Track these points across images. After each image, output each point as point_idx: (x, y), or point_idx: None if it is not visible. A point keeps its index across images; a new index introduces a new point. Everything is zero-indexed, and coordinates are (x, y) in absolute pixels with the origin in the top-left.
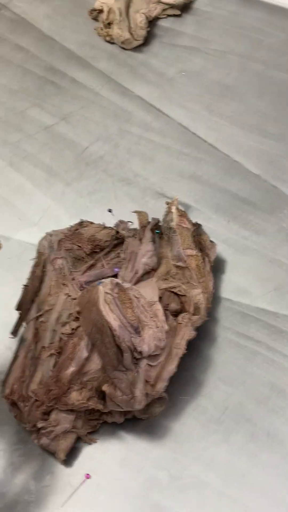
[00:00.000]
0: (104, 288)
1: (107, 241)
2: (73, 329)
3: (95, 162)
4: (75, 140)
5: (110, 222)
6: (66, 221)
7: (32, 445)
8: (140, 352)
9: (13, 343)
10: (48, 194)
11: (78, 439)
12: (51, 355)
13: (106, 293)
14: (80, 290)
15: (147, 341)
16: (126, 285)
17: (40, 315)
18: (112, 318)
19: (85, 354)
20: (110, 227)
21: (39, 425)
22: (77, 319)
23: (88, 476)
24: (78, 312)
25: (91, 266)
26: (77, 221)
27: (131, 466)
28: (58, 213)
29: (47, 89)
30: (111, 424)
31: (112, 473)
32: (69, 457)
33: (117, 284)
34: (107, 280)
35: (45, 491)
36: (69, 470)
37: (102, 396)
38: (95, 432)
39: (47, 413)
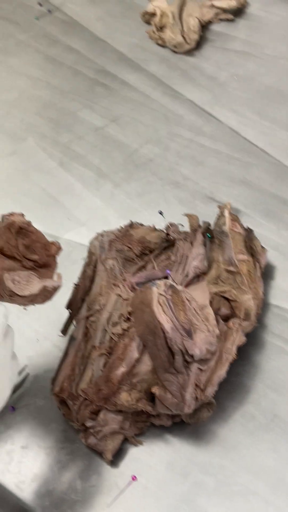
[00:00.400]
0: (158, 290)
1: (157, 243)
2: (124, 329)
3: (144, 164)
4: (125, 142)
5: (160, 224)
6: (115, 222)
7: (79, 444)
8: (192, 356)
9: (60, 341)
10: (97, 195)
11: (125, 441)
12: (101, 354)
13: (160, 294)
14: (131, 291)
15: (199, 345)
16: (179, 287)
17: (91, 315)
18: (165, 320)
19: (136, 355)
20: (160, 229)
21: (88, 424)
22: (128, 319)
23: (134, 478)
24: (130, 313)
25: (142, 268)
26: (125, 222)
27: (177, 470)
28: (107, 214)
29: (98, 91)
30: (158, 427)
31: (159, 476)
32: (116, 458)
33: (171, 286)
34: (161, 282)
35: (91, 491)
36: (116, 471)
37: (151, 398)
38: (142, 434)
39: (95, 413)
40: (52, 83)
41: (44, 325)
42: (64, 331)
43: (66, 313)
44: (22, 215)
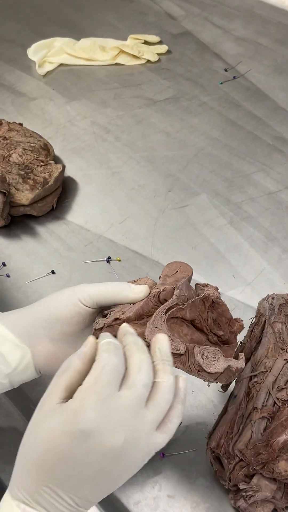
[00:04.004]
0: None
1: None
2: None
3: None
4: None
5: None
6: (281, 287)
7: (225, 504)
8: None
9: (215, 396)
10: (264, 257)
11: (273, 511)
12: (262, 417)
13: None
14: None
15: None
16: None
17: (255, 375)
18: None
19: None
20: None
21: (241, 486)
22: None
23: None
24: None
25: None
26: None
27: None
28: (273, 277)
29: (275, 157)
30: None
31: None
32: None
33: None
34: None
35: None
36: None
37: None
38: None
39: (249, 476)
40: (230, 144)
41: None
42: (225, 387)
43: None
44: (216, 288)
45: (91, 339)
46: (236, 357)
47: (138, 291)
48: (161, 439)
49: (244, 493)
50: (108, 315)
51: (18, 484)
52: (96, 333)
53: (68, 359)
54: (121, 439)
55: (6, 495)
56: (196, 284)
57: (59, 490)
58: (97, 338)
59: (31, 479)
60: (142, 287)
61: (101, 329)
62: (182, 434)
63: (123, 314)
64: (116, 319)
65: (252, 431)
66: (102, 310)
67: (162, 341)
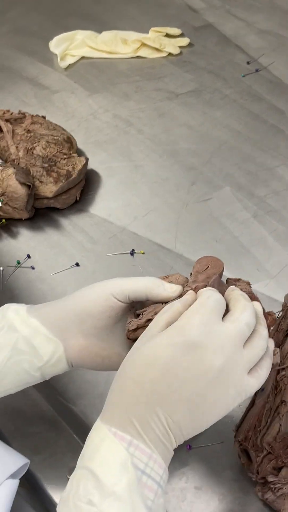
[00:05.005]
0: None
1: None
2: None
3: None
4: None
5: None
6: None
7: (252, 496)
8: None
9: None
10: None
11: None
12: None
13: None
14: None
15: None
16: None
17: (283, 368)
18: None
19: None
20: None
21: (270, 479)
22: None
23: None
24: None
25: None
26: None
27: None
28: None
29: None
30: None
31: None
32: None
33: None
34: None
35: None
36: None
37: None
38: None
39: (277, 469)
40: (253, 138)
41: None
42: None
43: None
44: (248, 283)
45: (191, 290)
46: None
47: (171, 290)
48: (253, 382)
49: (272, 486)
50: (141, 315)
51: (112, 409)
52: (130, 334)
53: (170, 304)
54: (221, 361)
55: (97, 421)
56: (228, 279)
57: (157, 407)
58: (130, 339)
59: (128, 397)
60: (175, 287)
61: (134, 330)
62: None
63: (156, 314)
64: (149, 320)
65: (280, 424)
66: (133, 306)
67: (257, 306)
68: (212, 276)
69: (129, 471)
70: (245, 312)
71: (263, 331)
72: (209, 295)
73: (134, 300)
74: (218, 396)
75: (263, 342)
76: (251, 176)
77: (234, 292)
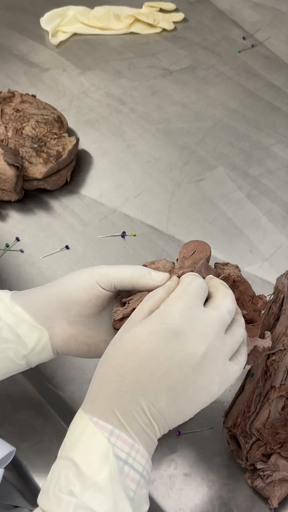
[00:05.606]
0: None
1: None
2: None
3: None
4: None
5: None
6: None
7: (242, 483)
8: None
9: None
10: (283, 231)
11: None
12: (280, 396)
13: None
14: None
15: None
16: None
17: (273, 353)
18: None
19: None
20: None
21: (258, 466)
22: None
23: None
24: None
25: None
26: None
27: None
28: None
29: None
30: None
31: None
32: (280, 506)
33: None
34: None
35: None
36: None
37: None
38: None
39: (266, 456)
40: (248, 116)
41: None
42: None
43: None
44: (237, 267)
45: (175, 276)
46: (262, 336)
47: (158, 279)
48: (235, 368)
49: (261, 473)
50: (127, 304)
51: (93, 398)
52: (116, 324)
53: (153, 292)
54: (203, 348)
55: (79, 411)
56: (216, 263)
57: (139, 396)
58: (115, 329)
59: (109, 386)
60: (162, 275)
61: (120, 320)
62: (199, 412)
63: None
64: (134, 309)
65: (269, 410)
66: (119, 294)
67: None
68: (198, 261)
69: (110, 461)
70: (226, 299)
71: (241, 319)
72: (191, 280)
73: (120, 289)
74: (202, 383)
75: (242, 329)
76: (246, 155)
77: (212, 280)
